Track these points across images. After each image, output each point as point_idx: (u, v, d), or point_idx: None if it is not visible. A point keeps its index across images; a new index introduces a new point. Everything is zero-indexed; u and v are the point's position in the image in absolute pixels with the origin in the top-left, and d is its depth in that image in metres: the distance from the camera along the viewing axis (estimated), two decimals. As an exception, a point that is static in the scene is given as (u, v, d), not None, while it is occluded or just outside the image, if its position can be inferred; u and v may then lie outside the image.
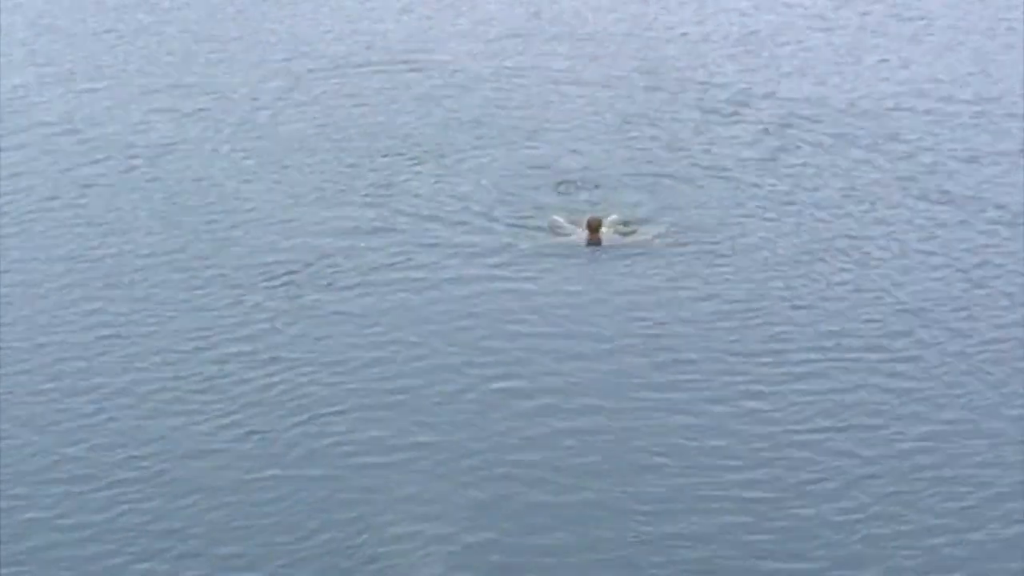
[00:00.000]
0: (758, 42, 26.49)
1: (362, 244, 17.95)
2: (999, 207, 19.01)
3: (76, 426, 14.13)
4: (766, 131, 21.86)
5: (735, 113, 22.71)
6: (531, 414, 14.22)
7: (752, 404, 14.39)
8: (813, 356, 15.33)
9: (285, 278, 16.98)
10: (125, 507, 12.87)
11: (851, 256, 17.65)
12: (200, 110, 22.99)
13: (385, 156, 20.91)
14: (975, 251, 17.80)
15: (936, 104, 23.03)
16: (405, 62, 25.35)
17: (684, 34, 27.11)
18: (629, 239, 17.81)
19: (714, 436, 13.88)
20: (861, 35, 27.05)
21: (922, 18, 27.95)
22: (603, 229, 17.65)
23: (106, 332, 15.91)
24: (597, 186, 19.60)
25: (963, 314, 16.23)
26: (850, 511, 12.78)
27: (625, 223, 18.20)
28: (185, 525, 12.61)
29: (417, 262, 17.38)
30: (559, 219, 18.28)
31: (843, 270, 17.31)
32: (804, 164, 20.61)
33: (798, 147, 21.23)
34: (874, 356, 15.33)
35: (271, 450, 13.66)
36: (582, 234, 17.70)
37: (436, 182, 19.85)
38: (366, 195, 19.44)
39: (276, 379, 14.82)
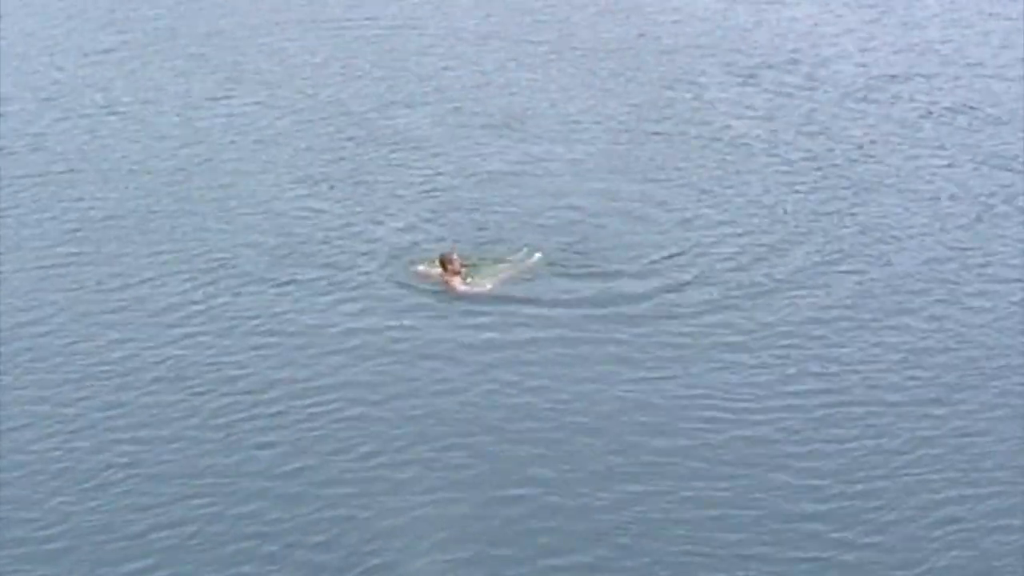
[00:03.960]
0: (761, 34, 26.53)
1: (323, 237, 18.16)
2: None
3: (71, 425, 14.32)
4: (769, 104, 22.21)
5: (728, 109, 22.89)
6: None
7: (744, 420, 14.36)
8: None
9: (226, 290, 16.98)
10: (121, 512, 12.96)
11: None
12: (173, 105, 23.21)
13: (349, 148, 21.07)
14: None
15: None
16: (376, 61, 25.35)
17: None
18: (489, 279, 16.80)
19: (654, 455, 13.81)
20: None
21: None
22: (457, 277, 16.64)
23: (98, 335, 16.02)
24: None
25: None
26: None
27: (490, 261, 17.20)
28: (187, 536, 12.66)
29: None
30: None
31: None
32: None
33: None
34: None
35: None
36: (437, 271, 16.79)
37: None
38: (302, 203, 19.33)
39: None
